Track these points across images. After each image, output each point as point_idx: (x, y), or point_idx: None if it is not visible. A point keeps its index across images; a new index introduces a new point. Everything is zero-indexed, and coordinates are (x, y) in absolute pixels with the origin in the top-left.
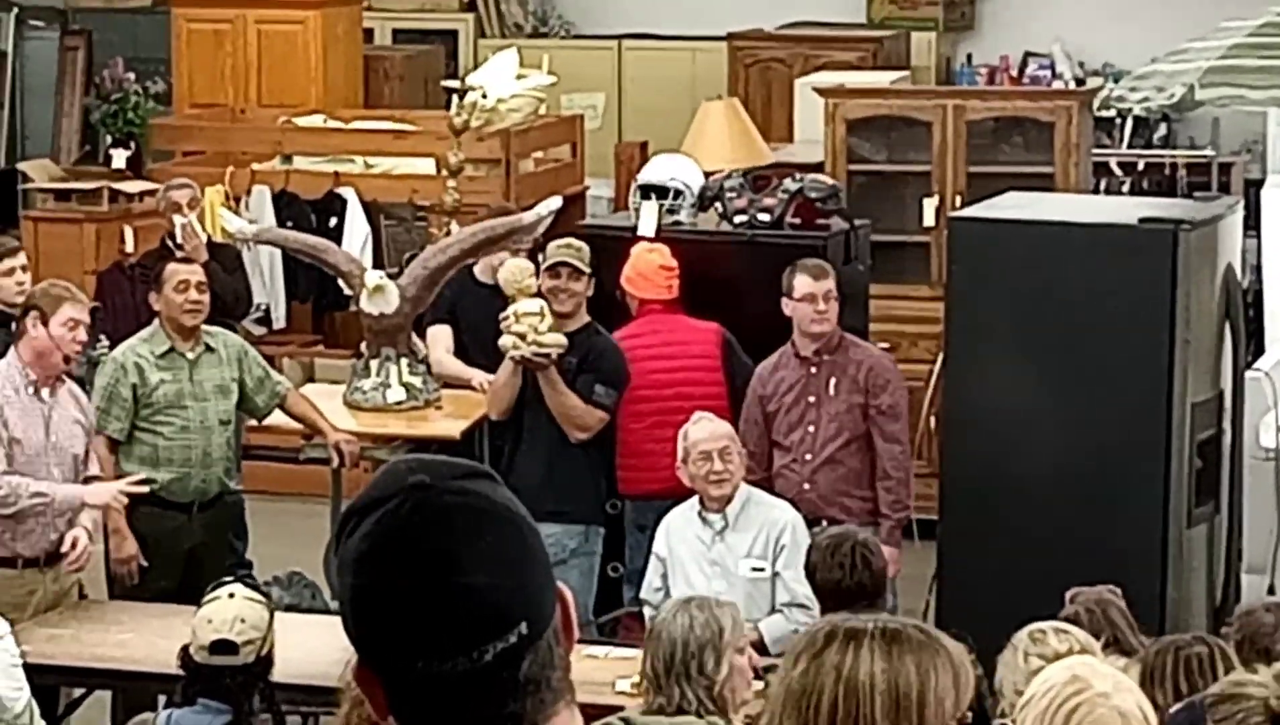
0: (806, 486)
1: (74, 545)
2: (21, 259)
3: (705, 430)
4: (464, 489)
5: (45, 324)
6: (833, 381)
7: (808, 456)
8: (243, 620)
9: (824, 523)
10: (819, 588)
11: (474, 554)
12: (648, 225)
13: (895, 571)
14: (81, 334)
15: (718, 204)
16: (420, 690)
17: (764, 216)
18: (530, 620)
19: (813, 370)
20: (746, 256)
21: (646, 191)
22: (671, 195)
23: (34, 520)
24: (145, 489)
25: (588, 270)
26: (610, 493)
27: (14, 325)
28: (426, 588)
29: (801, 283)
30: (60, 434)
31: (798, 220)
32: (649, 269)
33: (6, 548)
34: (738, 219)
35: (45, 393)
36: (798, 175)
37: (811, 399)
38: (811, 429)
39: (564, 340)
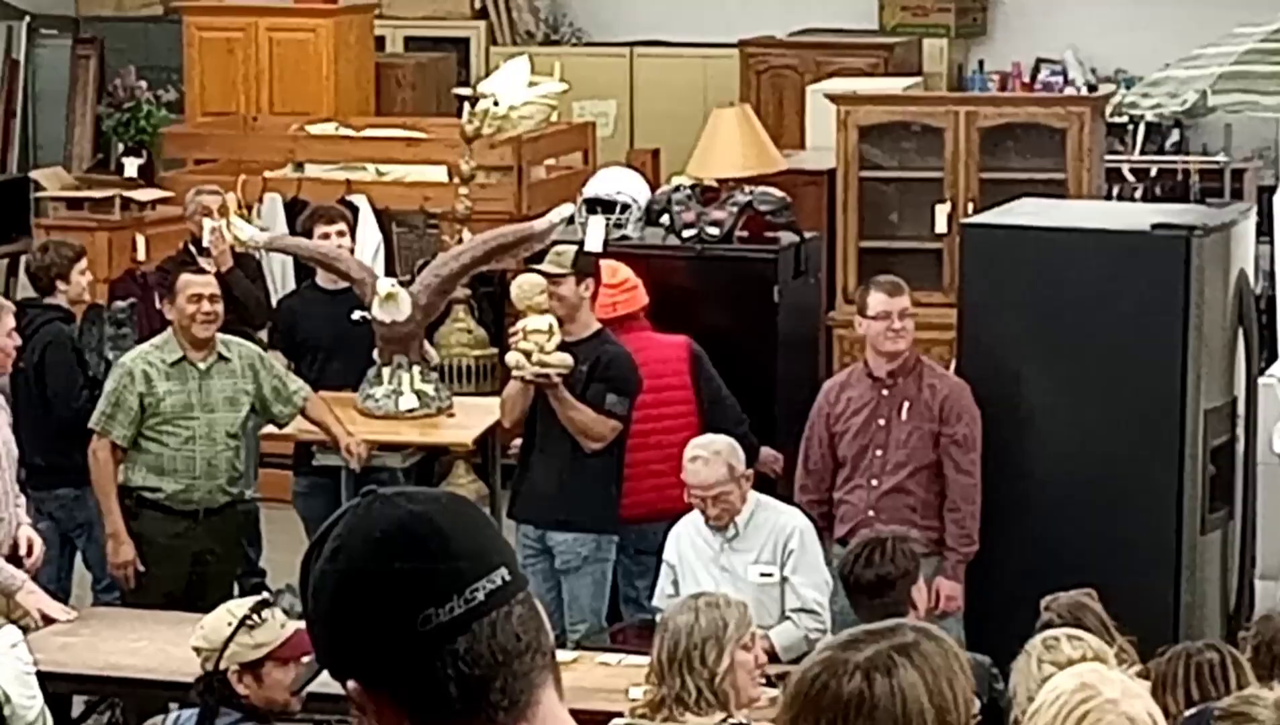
0: (870, 513)
1: (30, 549)
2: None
3: (698, 477)
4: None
5: None
6: (906, 406)
7: (873, 482)
8: (202, 626)
9: None
10: (845, 581)
11: (439, 510)
12: (595, 240)
13: (956, 607)
14: (17, 339)
15: (666, 217)
16: (425, 659)
17: (713, 230)
18: (509, 568)
19: (884, 392)
20: (696, 270)
21: (592, 206)
22: (619, 209)
23: None
24: (70, 616)
25: (564, 270)
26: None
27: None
28: (406, 540)
29: (876, 300)
30: (2, 439)
31: (745, 233)
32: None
33: None
34: (686, 233)
35: None
36: (747, 188)
37: (881, 422)
38: (879, 453)
39: (569, 360)
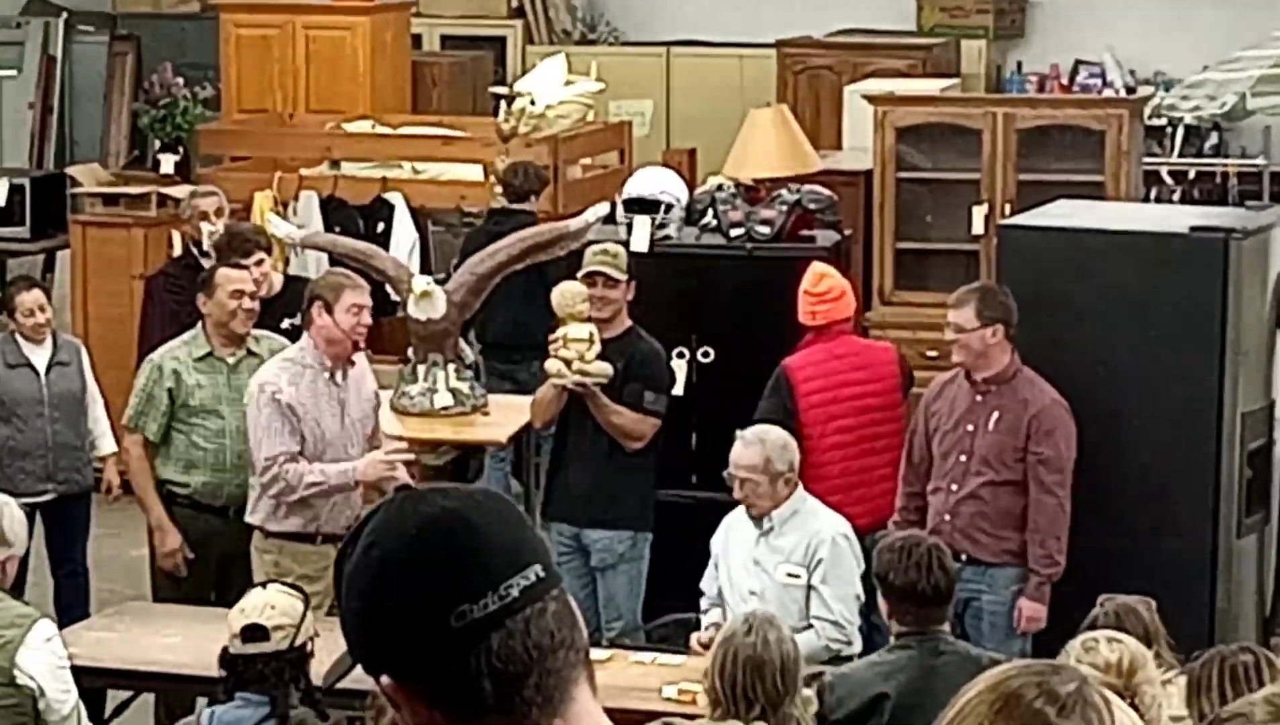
0: (947, 517)
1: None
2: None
3: (734, 454)
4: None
5: (330, 312)
6: (994, 416)
7: (953, 487)
8: (273, 607)
9: (963, 557)
10: (892, 589)
11: (473, 507)
12: (640, 241)
13: (1038, 628)
14: (366, 317)
15: (710, 216)
16: (459, 655)
17: (764, 229)
18: (543, 564)
19: (979, 398)
20: (746, 269)
21: (632, 205)
22: (662, 209)
23: (336, 499)
24: (407, 453)
25: (623, 277)
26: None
27: (300, 314)
28: (440, 535)
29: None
30: (354, 415)
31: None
32: (801, 291)
33: (310, 525)
34: (734, 232)
35: (339, 376)
36: (793, 186)
37: (970, 427)
38: (963, 458)
39: (609, 369)
